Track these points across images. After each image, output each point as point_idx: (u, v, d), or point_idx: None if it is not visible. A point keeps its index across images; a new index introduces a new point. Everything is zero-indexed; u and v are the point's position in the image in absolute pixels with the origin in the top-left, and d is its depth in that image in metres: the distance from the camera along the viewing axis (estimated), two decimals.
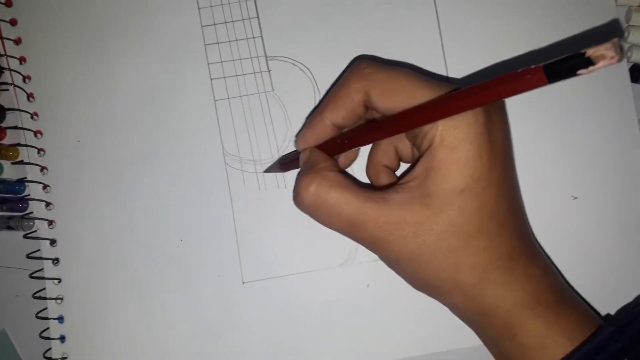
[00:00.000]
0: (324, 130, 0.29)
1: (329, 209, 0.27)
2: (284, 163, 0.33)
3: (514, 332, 0.27)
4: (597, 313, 0.33)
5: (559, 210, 0.34)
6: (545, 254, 0.31)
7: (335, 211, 0.26)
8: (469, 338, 0.33)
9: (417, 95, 0.25)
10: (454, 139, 0.25)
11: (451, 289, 0.27)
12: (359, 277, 0.34)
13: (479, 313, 0.27)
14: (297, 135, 0.32)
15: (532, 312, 0.26)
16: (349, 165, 0.32)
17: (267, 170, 0.35)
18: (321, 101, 0.30)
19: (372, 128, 0.27)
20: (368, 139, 0.28)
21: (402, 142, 0.31)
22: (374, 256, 0.34)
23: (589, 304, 0.32)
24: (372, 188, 0.27)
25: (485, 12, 0.34)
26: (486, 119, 0.25)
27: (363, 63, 0.28)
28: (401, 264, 0.27)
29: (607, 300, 0.33)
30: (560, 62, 0.18)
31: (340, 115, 0.28)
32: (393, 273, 0.34)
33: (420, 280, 0.28)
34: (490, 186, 0.25)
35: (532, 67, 0.19)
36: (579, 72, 0.17)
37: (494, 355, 0.29)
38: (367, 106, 0.28)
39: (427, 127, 0.25)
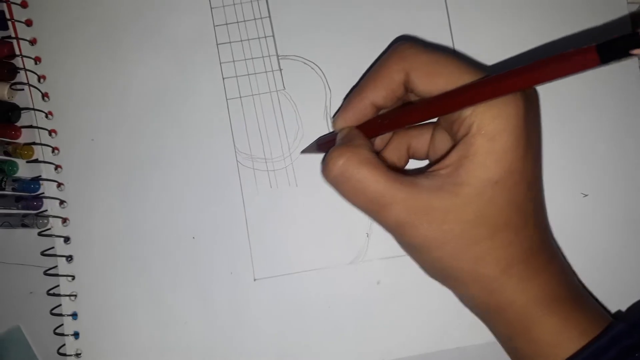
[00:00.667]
0: (363, 110, 0.28)
1: (355, 184, 0.26)
2: (322, 144, 0.33)
3: (528, 327, 0.27)
4: (607, 311, 0.33)
5: (569, 208, 0.34)
6: None
7: (362, 187, 0.26)
8: (480, 335, 0.33)
9: (460, 78, 0.25)
10: (494, 128, 0.24)
11: (470, 280, 0.27)
12: (370, 274, 0.34)
13: (494, 307, 0.27)
14: (334, 116, 0.31)
15: (548, 309, 0.26)
16: (382, 148, 0.31)
17: (304, 151, 0.35)
18: (359, 82, 0.30)
19: (413, 108, 0.26)
20: (408, 119, 0.27)
21: (417, 138, 0.31)
22: (385, 253, 0.34)
23: (599, 302, 0.32)
24: (401, 172, 0.27)
25: (495, 11, 0.35)
26: (525, 112, 0.25)
27: (405, 44, 0.27)
28: (422, 250, 0.27)
29: (617, 298, 0.33)
30: (612, 41, 0.18)
31: (381, 95, 0.28)
32: (404, 270, 0.34)
33: (439, 269, 0.27)
34: (522, 180, 0.25)
35: (585, 47, 0.19)
36: (633, 51, 0.17)
37: (506, 350, 0.29)
38: (407, 88, 0.27)
39: (466, 113, 0.25)
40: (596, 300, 0.33)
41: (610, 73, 0.33)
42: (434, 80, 0.26)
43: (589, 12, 0.34)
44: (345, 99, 0.34)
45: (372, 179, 0.26)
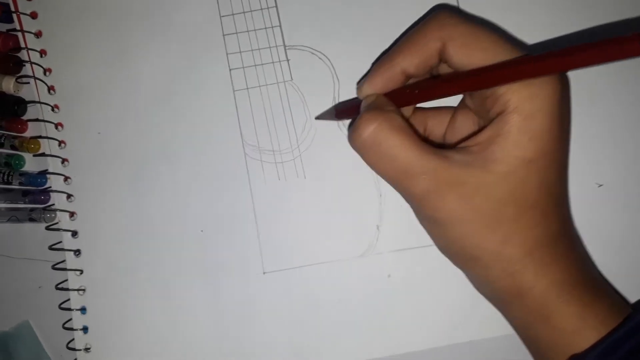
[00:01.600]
0: (393, 77, 0.27)
1: (385, 151, 0.25)
2: (341, 110, 0.32)
3: (547, 314, 0.26)
4: (626, 301, 0.32)
5: (583, 198, 0.33)
6: None
7: (392, 155, 0.25)
8: (493, 328, 0.33)
9: (498, 53, 0.24)
10: (531, 107, 0.24)
11: (491, 261, 0.26)
12: (380, 267, 0.34)
13: (513, 291, 0.26)
14: (359, 83, 0.30)
15: (569, 295, 0.26)
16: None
17: (320, 117, 0.34)
18: (390, 48, 0.29)
19: (448, 80, 0.26)
20: (442, 91, 0.26)
21: (434, 119, 0.30)
22: (396, 246, 0.34)
23: (616, 292, 0.32)
24: (432, 144, 0.26)
25: (506, 4, 0.34)
26: (561, 95, 0.24)
27: (444, 12, 0.26)
28: (446, 225, 0.26)
29: (633, 288, 0.32)
30: None
31: (413, 62, 0.27)
32: (415, 263, 0.34)
33: (460, 247, 0.26)
34: (554, 162, 0.25)
35: (630, 34, 0.18)
36: None
37: (523, 340, 0.29)
38: (442, 58, 0.26)
39: (501, 91, 0.24)
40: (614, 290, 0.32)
41: (623, 62, 0.33)
42: (471, 53, 0.25)
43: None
44: (373, 64, 0.32)
45: (403, 147, 0.25)
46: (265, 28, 0.35)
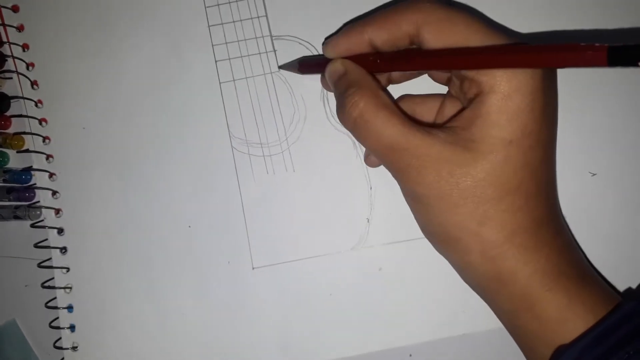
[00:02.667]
0: (360, 43, 0.28)
1: (372, 128, 0.26)
2: (306, 65, 0.32)
3: (532, 303, 0.26)
4: (616, 290, 0.32)
5: (577, 187, 0.32)
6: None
7: (378, 132, 0.26)
8: (483, 322, 0.32)
9: (472, 38, 0.25)
10: (508, 88, 0.24)
11: (471, 243, 0.26)
12: (371, 261, 0.33)
13: (495, 278, 0.26)
14: (326, 40, 0.31)
15: (554, 283, 0.25)
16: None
17: (283, 67, 0.34)
18: (363, 15, 0.30)
19: (416, 54, 0.26)
20: (408, 65, 0.27)
21: (422, 105, 0.30)
22: (386, 239, 0.33)
23: (607, 281, 0.31)
24: (415, 120, 0.27)
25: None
26: (542, 77, 0.24)
27: None
28: (425, 200, 0.26)
29: (625, 278, 0.32)
30: (626, 48, 0.18)
31: (382, 37, 0.27)
32: (406, 256, 0.33)
33: (440, 225, 0.26)
34: (538, 145, 0.25)
35: (597, 44, 0.19)
36: None
37: (510, 330, 0.28)
38: (412, 42, 0.27)
39: (478, 73, 0.24)
40: (604, 279, 0.31)
41: None
42: (444, 37, 0.25)
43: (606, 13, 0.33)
44: (344, 25, 0.33)
45: (390, 123, 0.26)
46: (252, 18, 0.34)
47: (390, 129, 0.26)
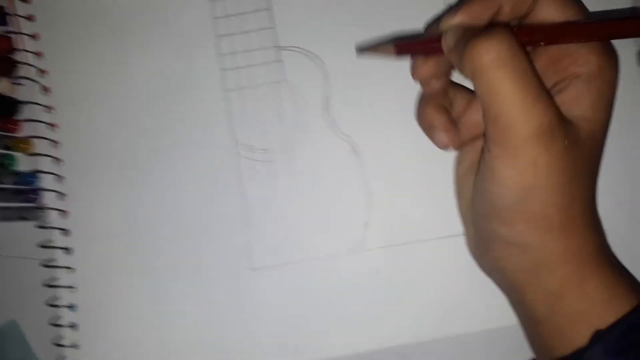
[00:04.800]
0: (490, 9, 0.25)
1: (518, 69, 0.23)
2: (404, 46, 0.28)
3: (585, 279, 0.25)
4: None
5: None
6: None
7: (521, 75, 0.23)
8: (480, 322, 0.33)
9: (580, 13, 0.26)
10: (610, 75, 0.26)
11: (563, 219, 0.25)
12: (369, 264, 0.34)
13: (564, 251, 0.25)
14: (434, 22, 0.30)
15: (606, 262, 0.26)
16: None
17: (367, 51, 0.30)
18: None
19: (572, 24, 0.25)
20: (562, 36, 0.25)
21: (463, 96, 0.30)
22: (384, 242, 0.34)
23: None
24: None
25: None
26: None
27: None
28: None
29: None
30: None
31: (510, 3, 0.25)
32: (403, 259, 0.34)
33: (527, 202, 0.25)
34: (606, 131, 0.27)
35: None
36: None
37: (538, 319, 0.27)
38: (522, 13, 0.26)
39: (583, 50, 0.25)
40: None
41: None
42: (564, 8, 0.26)
43: None
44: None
45: (533, 70, 0.24)
46: (259, 30, 0.36)
47: (534, 77, 0.24)
